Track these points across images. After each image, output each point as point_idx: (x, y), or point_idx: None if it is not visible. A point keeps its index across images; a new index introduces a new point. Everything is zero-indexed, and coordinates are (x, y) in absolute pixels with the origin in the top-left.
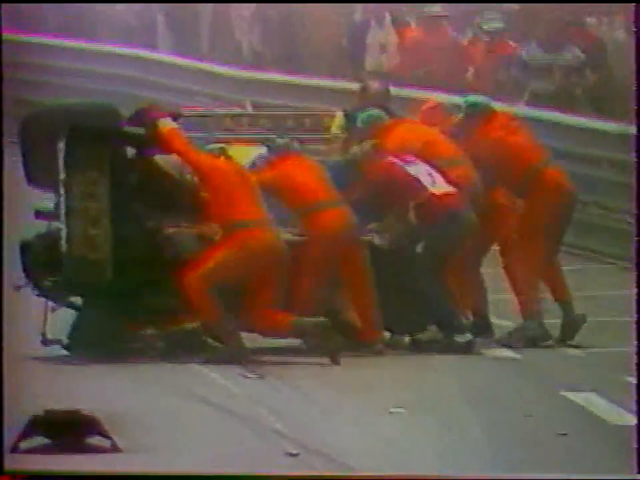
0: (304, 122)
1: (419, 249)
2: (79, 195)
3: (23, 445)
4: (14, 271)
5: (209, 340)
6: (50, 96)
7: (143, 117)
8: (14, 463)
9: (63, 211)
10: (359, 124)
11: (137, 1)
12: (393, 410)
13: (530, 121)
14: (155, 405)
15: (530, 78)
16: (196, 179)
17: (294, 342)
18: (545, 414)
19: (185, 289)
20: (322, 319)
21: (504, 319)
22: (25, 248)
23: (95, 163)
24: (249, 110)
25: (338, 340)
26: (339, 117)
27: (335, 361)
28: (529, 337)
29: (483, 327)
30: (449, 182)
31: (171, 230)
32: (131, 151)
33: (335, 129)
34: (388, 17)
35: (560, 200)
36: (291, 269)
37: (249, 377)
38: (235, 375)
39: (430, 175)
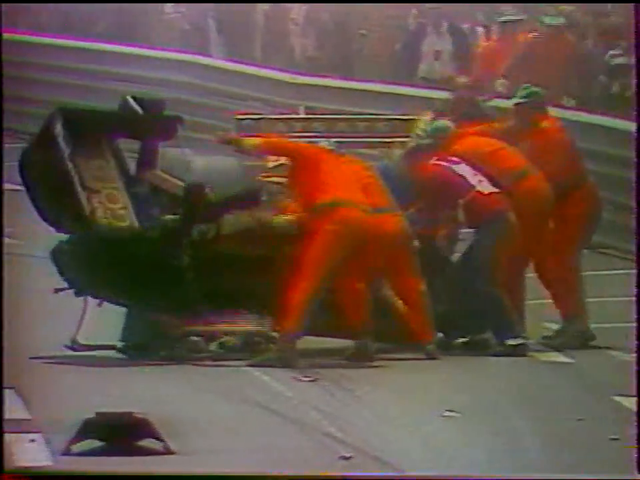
0: (357, 126)
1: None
2: (90, 177)
3: (75, 447)
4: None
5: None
6: (104, 101)
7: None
8: (68, 465)
9: (79, 191)
10: (426, 133)
11: (155, 1)
12: (446, 413)
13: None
14: (207, 408)
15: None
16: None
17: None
18: (596, 418)
19: (288, 300)
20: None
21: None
22: (56, 254)
23: (95, 151)
24: (302, 115)
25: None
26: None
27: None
28: (574, 337)
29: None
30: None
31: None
32: None
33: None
34: (445, 24)
35: (593, 212)
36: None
37: (302, 380)
38: (288, 378)
39: (475, 175)
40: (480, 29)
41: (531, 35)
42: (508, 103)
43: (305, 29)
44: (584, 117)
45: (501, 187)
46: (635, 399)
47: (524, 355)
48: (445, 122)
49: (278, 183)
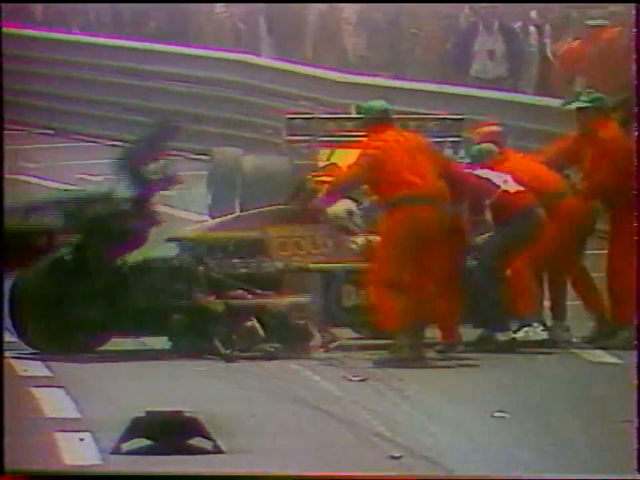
0: (408, 126)
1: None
2: None
3: (125, 446)
4: None
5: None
6: (154, 101)
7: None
8: (117, 464)
9: None
10: (470, 157)
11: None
12: (496, 414)
13: None
14: (257, 407)
15: None
16: None
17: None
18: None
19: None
20: None
21: None
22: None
23: None
24: (354, 114)
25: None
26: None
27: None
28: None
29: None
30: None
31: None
32: None
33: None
34: (497, 23)
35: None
36: None
37: (352, 380)
38: (338, 378)
39: (500, 176)
40: (532, 28)
41: (614, 37)
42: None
43: (357, 28)
44: None
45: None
46: None
47: (511, 351)
48: (489, 146)
49: (329, 182)
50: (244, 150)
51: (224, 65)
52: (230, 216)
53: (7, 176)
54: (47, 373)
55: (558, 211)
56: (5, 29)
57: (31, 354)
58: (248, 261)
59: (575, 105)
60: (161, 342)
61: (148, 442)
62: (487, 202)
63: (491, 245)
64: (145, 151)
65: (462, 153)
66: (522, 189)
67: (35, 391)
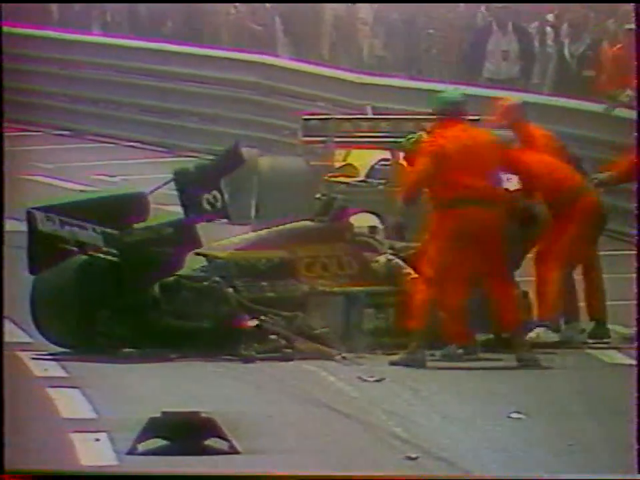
0: (424, 126)
1: None
2: None
3: (141, 446)
4: None
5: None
6: (171, 102)
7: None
8: (133, 464)
9: None
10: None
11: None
12: (513, 415)
13: None
14: (273, 408)
15: None
16: None
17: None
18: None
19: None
20: None
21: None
22: None
23: None
24: (370, 114)
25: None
26: None
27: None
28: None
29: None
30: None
31: None
32: None
33: None
34: (510, 24)
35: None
36: None
37: (368, 380)
38: (354, 378)
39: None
40: (549, 29)
41: None
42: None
43: (374, 29)
44: None
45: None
46: None
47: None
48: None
49: (344, 183)
50: (260, 151)
51: (240, 66)
52: (259, 232)
53: (23, 176)
54: (62, 373)
55: (575, 208)
56: (18, 30)
57: (45, 354)
58: (275, 283)
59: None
60: None
61: (164, 442)
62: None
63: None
64: (206, 181)
65: None
66: (521, 187)
67: (51, 391)
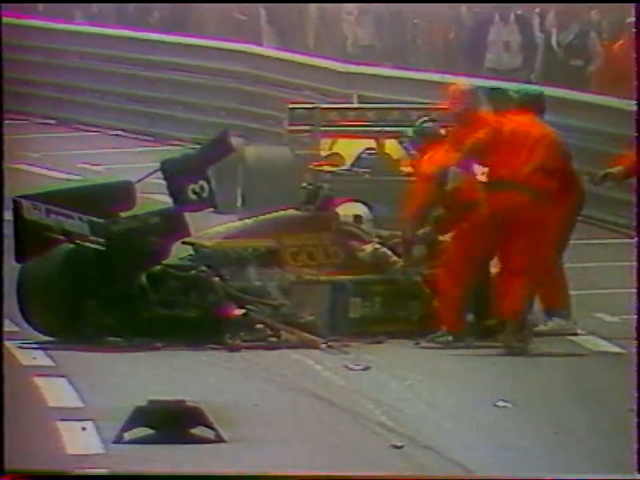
0: (410, 115)
1: None
2: None
3: (127, 435)
4: None
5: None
6: (158, 91)
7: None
8: (119, 453)
9: None
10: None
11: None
12: (499, 403)
13: None
14: (259, 397)
15: None
16: None
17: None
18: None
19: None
20: None
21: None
22: None
23: None
24: (355, 104)
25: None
26: None
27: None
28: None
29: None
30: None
31: None
32: None
33: None
34: (513, 15)
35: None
36: None
37: (354, 369)
38: (340, 367)
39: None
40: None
41: None
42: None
43: (359, 18)
44: None
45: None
46: None
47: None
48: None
49: (330, 172)
50: (246, 140)
51: (226, 55)
52: (246, 221)
53: (8, 165)
54: (49, 362)
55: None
56: (2, 18)
57: (31, 343)
58: (261, 273)
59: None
60: None
61: (150, 431)
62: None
63: None
64: (193, 171)
65: None
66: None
67: (37, 380)
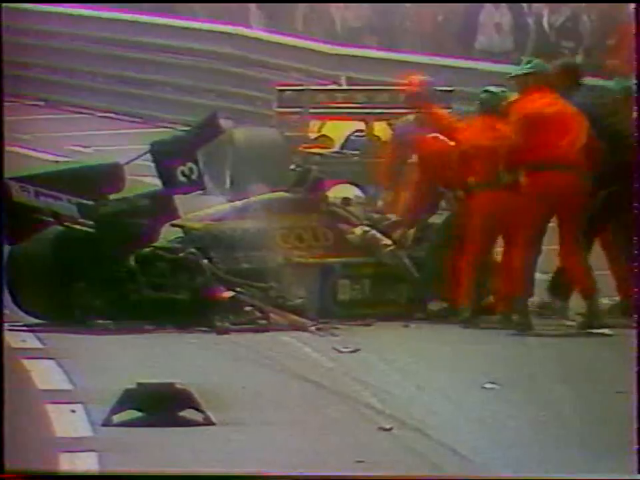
0: (398, 97)
1: None
2: None
3: (116, 417)
4: None
5: None
6: (147, 73)
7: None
8: (108, 435)
9: None
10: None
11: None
12: (487, 385)
13: None
14: (247, 379)
15: None
16: None
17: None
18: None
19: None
20: None
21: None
22: None
23: None
24: (344, 85)
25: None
26: None
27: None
28: None
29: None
30: None
31: None
32: None
33: None
34: None
35: None
36: None
37: (343, 352)
38: (329, 350)
39: None
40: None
41: None
42: None
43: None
44: None
45: None
46: None
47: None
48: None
49: (319, 154)
50: (234, 122)
51: (214, 37)
52: (235, 204)
53: None
54: (38, 344)
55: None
56: None
57: (20, 325)
58: (250, 255)
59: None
60: None
61: (139, 414)
62: None
63: None
64: (182, 153)
65: None
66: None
67: (26, 362)
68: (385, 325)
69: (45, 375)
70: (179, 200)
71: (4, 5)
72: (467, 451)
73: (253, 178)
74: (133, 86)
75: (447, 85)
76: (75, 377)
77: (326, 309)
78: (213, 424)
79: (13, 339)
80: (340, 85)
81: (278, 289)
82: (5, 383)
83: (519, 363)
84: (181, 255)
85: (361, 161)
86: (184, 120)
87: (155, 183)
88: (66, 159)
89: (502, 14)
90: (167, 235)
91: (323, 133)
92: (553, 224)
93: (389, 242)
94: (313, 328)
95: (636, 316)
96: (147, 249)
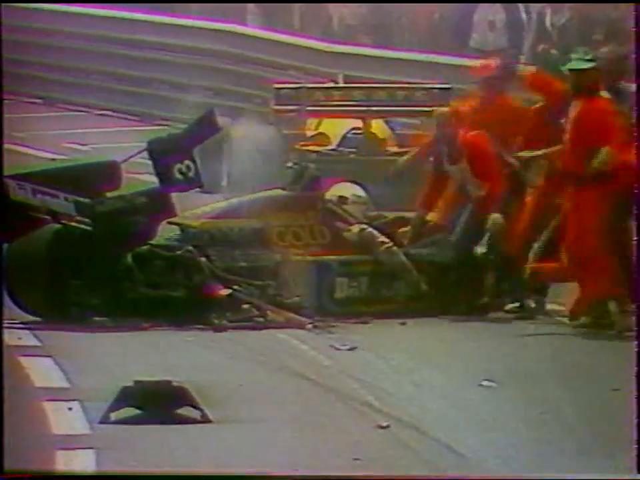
0: (396, 95)
1: None
2: None
3: (113, 415)
4: None
5: None
6: (143, 71)
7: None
8: (105, 433)
9: None
10: None
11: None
12: (484, 383)
13: None
14: (245, 377)
15: None
16: None
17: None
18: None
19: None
20: None
21: None
22: None
23: None
24: (341, 83)
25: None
26: None
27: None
28: None
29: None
30: None
31: None
32: None
33: None
34: None
35: None
36: None
37: (340, 349)
38: (326, 347)
39: None
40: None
41: None
42: None
43: None
44: None
45: None
46: None
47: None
48: None
49: (316, 152)
50: (232, 120)
51: (211, 35)
52: (232, 201)
53: None
54: (35, 342)
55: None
56: None
57: (17, 323)
58: (247, 253)
59: None
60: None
61: (136, 411)
62: None
63: None
64: (180, 150)
65: None
66: None
67: (23, 360)
68: (382, 323)
69: (42, 372)
70: (176, 198)
71: (2, 4)
72: (464, 448)
73: (250, 176)
74: (130, 84)
75: (445, 82)
76: (72, 375)
77: (323, 306)
78: (210, 421)
79: (10, 337)
80: (337, 83)
81: (275, 286)
82: (3, 380)
83: (517, 360)
84: (178, 252)
85: (358, 159)
86: (181, 118)
87: (152, 180)
88: (63, 157)
89: (496, 11)
90: (164, 232)
91: (320, 130)
92: None
93: (386, 240)
94: (310, 326)
95: (635, 316)
96: (144, 247)
